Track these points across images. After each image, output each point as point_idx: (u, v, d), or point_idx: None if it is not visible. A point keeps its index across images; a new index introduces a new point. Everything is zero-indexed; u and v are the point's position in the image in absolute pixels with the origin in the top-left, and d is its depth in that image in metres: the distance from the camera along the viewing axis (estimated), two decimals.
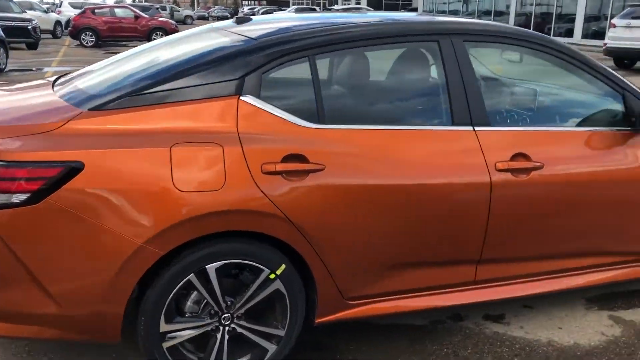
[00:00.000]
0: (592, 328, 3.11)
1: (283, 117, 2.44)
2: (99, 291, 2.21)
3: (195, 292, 2.38)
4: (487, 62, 3.74)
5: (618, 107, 3.03)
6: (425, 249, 2.69)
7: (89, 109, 2.30)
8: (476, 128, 2.72)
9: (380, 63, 2.97)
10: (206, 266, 2.33)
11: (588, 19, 24.95)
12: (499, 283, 2.91)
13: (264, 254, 2.42)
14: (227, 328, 2.46)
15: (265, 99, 2.44)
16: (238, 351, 2.52)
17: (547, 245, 2.93)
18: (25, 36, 17.61)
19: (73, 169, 2.12)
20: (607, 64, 14.56)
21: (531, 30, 3.12)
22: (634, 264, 3.18)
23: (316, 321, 2.63)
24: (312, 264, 2.50)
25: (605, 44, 15.99)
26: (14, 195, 2.11)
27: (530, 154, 2.77)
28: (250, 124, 2.39)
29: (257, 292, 2.46)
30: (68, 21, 24.08)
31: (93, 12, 21.81)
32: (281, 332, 2.55)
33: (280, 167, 2.36)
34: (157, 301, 2.30)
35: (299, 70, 2.54)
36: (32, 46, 18.36)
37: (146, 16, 23.54)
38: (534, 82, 3.59)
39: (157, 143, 2.23)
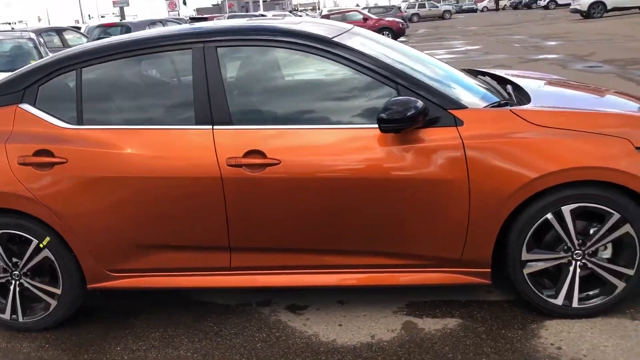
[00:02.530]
0: (369, 330, 3.02)
1: (45, 119, 3.10)
2: None
3: None
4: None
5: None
6: (172, 235, 3.05)
7: None
8: (215, 127, 2.97)
9: (153, 71, 3.37)
10: None
11: None
12: (258, 272, 3.08)
13: (32, 228, 3.12)
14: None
15: (39, 106, 3.13)
16: None
17: (302, 239, 2.99)
18: None
19: None
20: None
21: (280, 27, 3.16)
22: (426, 269, 2.99)
23: (87, 286, 3.22)
24: (69, 239, 3.11)
25: None
26: None
27: (266, 151, 2.90)
28: (21, 126, 3.11)
29: (32, 256, 3.18)
30: None
31: (327, 18, 23.98)
32: (58, 291, 3.20)
33: (29, 159, 3.04)
34: None
35: (71, 80, 3.15)
36: None
37: (374, 17, 24.92)
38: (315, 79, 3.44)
39: None
